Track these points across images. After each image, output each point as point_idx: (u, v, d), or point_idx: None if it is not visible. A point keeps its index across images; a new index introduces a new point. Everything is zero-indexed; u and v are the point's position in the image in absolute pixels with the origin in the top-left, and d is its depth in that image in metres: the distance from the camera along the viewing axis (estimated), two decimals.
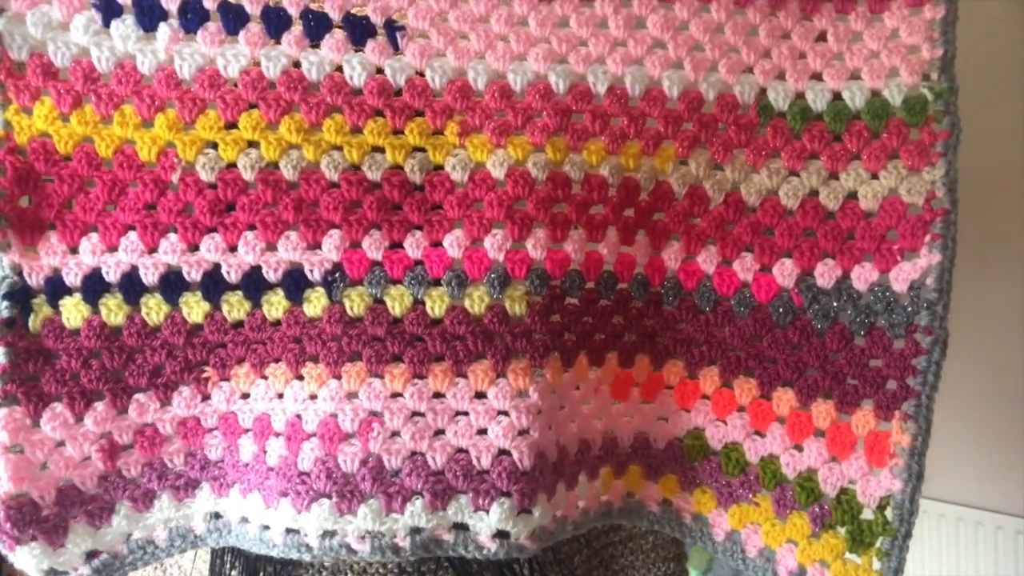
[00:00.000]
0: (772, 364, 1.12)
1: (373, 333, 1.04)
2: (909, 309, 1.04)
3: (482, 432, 1.04)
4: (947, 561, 2.48)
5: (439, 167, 1.06)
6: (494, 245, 1.05)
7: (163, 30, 1.01)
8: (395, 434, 1.03)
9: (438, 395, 1.04)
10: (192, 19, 1.02)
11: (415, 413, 1.04)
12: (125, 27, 1.00)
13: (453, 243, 1.05)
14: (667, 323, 1.14)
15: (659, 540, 1.40)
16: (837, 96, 1.11)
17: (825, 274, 1.09)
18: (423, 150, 1.06)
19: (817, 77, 1.11)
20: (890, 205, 1.07)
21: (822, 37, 1.12)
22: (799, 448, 1.12)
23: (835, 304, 1.08)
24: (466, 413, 1.04)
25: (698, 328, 1.14)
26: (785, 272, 1.10)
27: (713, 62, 1.10)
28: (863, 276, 1.07)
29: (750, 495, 1.15)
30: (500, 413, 1.04)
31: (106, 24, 1.00)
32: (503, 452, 1.04)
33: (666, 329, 1.15)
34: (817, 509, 1.10)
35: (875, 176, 1.08)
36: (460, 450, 1.04)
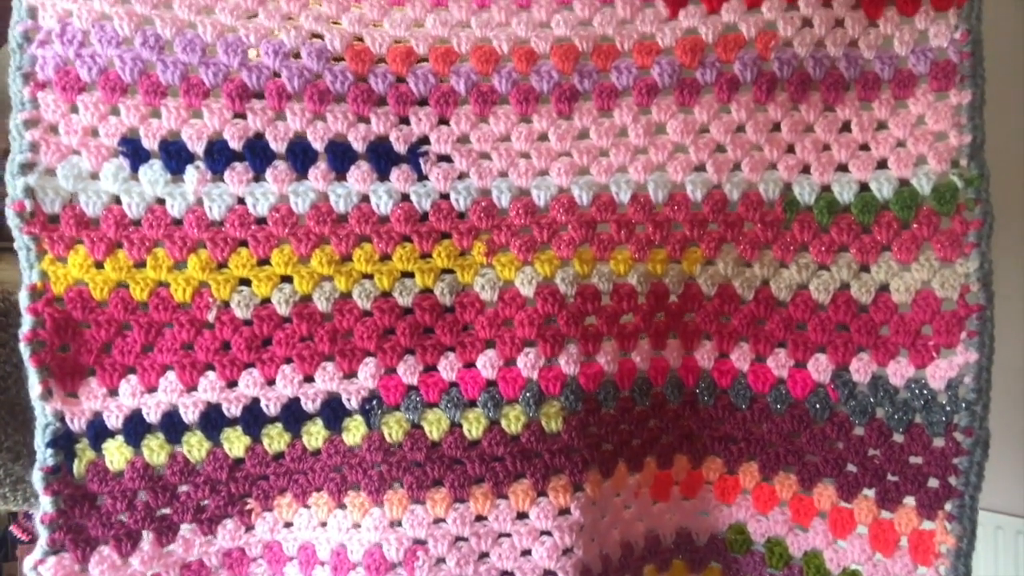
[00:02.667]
0: (811, 459, 1.10)
1: (413, 459, 1.02)
2: (948, 408, 1.01)
3: (526, 553, 1.03)
4: None
5: (468, 287, 1.05)
6: (527, 364, 1.03)
7: (191, 173, 1.00)
8: (440, 560, 1.02)
9: (480, 518, 1.03)
10: (219, 160, 1.01)
11: (458, 538, 1.02)
12: (153, 172, 1.00)
13: (486, 364, 1.03)
14: (704, 422, 1.12)
15: None
16: (864, 187, 1.07)
17: (860, 369, 1.06)
18: (452, 271, 1.05)
19: (843, 168, 1.08)
20: (923, 299, 1.04)
21: (846, 127, 1.09)
22: (842, 543, 1.10)
23: (872, 400, 1.05)
24: (509, 535, 1.03)
25: (735, 426, 1.11)
26: (820, 368, 1.07)
27: (736, 162, 1.08)
28: (899, 372, 1.04)
29: None
30: (543, 533, 1.03)
31: (134, 170, 1.00)
32: (548, 573, 1.02)
33: (703, 428, 1.12)
34: None
35: (907, 268, 1.05)
36: (505, 573, 1.02)
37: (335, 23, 1.04)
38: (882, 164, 1.08)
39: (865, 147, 1.08)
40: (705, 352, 1.10)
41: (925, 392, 1.02)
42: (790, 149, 1.09)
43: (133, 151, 1.00)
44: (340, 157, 1.03)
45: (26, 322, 0.97)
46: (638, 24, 1.07)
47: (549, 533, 1.02)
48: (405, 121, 1.05)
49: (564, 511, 1.03)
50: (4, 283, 1.23)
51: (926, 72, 1.06)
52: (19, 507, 1.26)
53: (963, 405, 0.99)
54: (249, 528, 1.05)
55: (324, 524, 1.04)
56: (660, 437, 1.11)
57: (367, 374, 1.03)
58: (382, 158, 1.04)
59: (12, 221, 0.96)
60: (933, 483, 1.02)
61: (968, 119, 1.04)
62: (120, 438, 1.01)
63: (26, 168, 0.96)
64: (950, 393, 1.01)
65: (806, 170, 1.08)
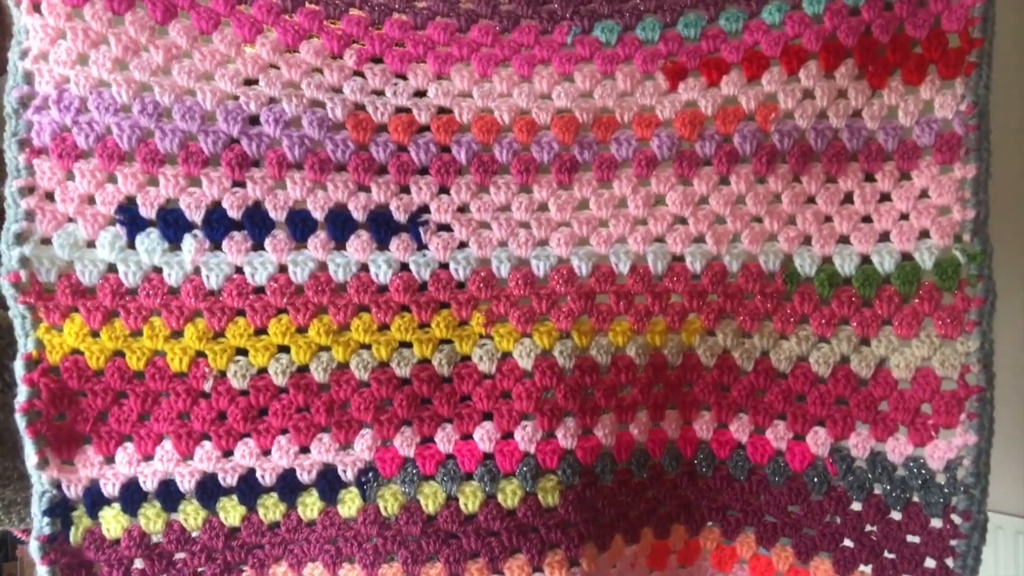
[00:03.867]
0: (808, 532, 1.08)
1: (408, 533, 1.00)
2: (946, 490, 0.99)
3: None
4: None
5: (466, 358, 1.03)
6: (525, 437, 1.01)
7: (188, 242, 0.98)
8: None
9: None
10: (217, 229, 0.99)
11: None
12: (150, 241, 0.98)
13: (484, 436, 1.01)
14: (702, 492, 1.10)
15: None
16: (866, 259, 1.05)
17: (859, 445, 1.04)
18: (450, 342, 1.03)
19: (844, 240, 1.06)
20: (923, 377, 1.02)
21: (848, 199, 1.07)
22: None
23: (870, 476, 1.03)
24: None
25: (733, 496, 1.09)
26: (819, 441, 1.05)
27: (736, 233, 1.06)
28: (897, 449, 1.02)
29: None
30: None
31: (131, 239, 0.97)
32: None
33: (701, 498, 1.10)
34: None
35: (907, 344, 1.03)
36: None
37: (337, 91, 1.02)
38: (884, 237, 1.05)
39: (867, 219, 1.06)
40: (704, 423, 1.08)
41: (923, 471, 1.00)
42: (791, 220, 1.06)
43: (130, 219, 0.97)
44: (340, 226, 1.01)
45: (22, 392, 0.95)
46: (638, 96, 1.05)
47: None
48: (406, 190, 1.03)
49: None
50: None
51: (931, 144, 1.04)
52: (15, 527, 1.24)
53: (961, 488, 0.97)
54: None
55: None
56: (658, 508, 1.09)
57: (363, 446, 1.01)
58: (382, 227, 1.02)
59: (7, 291, 0.94)
60: (930, 563, 1.00)
61: (972, 194, 1.02)
62: (117, 506, 0.99)
63: (21, 238, 0.94)
64: (948, 475, 0.99)
65: (807, 242, 1.06)
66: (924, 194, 1.05)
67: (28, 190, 0.95)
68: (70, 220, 0.96)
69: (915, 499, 1.01)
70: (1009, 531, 2.25)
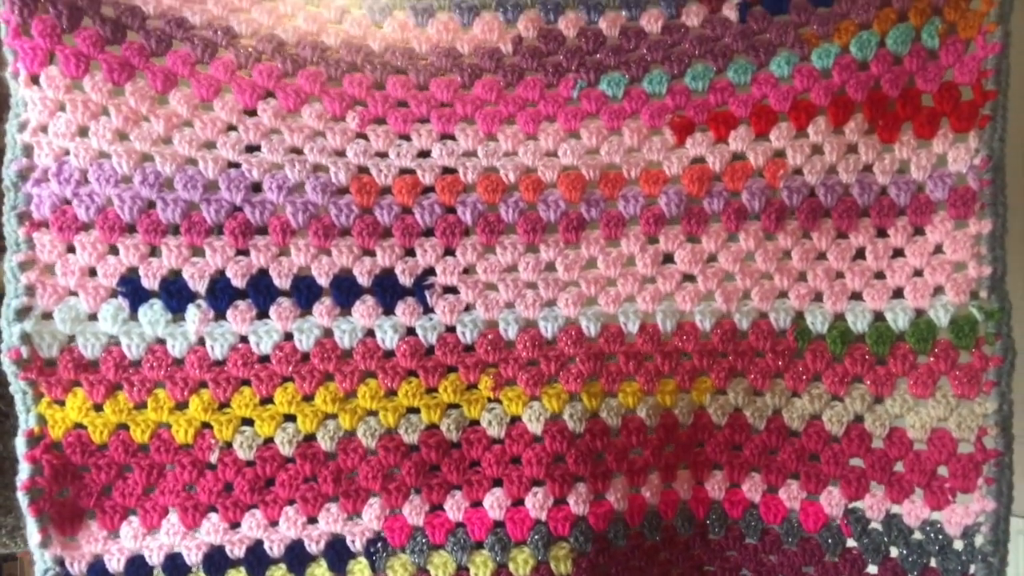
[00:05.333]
0: None
1: None
2: (963, 557, 0.95)
3: None
4: None
5: (475, 422, 1.00)
6: (536, 504, 0.98)
7: (192, 312, 0.95)
8: None
9: None
10: (221, 298, 0.95)
11: None
12: (153, 312, 0.94)
13: (494, 504, 0.98)
14: (714, 552, 1.06)
15: None
16: (879, 316, 1.02)
17: (874, 506, 1.00)
18: (458, 406, 0.99)
19: (857, 297, 1.03)
20: (939, 439, 0.98)
21: (860, 254, 1.03)
22: None
23: (886, 539, 1.00)
24: None
25: (746, 557, 1.06)
26: (833, 501, 1.02)
27: (745, 290, 1.02)
28: (914, 512, 0.99)
29: None
30: None
31: (134, 310, 0.94)
32: None
33: (714, 558, 1.07)
34: None
35: (923, 403, 1.00)
36: None
37: (340, 154, 0.99)
38: (898, 293, 1.02)
39: (880, 275, 1.02)
40: (716, 482, 1.05)
41: (940, 537, 0.97)
42: (801, 277, 1.03)
43: (133, 291, 0.94)
44: (345, 292, 0.98)
45: (24, 470, 0.92)
46: (645, 152, 1.02)
47: None
48: (411, 253, 1.00)
49: None
50: None
51: (944, 199, 1.01)
52: (18, 550, 1.22)
53: (980, 556, 0.94)
54: None
55: None
56: (671, 570, 1.06)
57: (372, 515, 0.97)
58: (387, 292, 0.99)
59: (8, 368, 0.91)
60: None
61: (988, 250, 0.98)
62: None
63: (22, 313, 0.91)
64: (966, 541, 0.95)
65: (818, 298, 1.03)
66: (939, 249, 1.01)
67: (28, 264, 0.92)
68: (71, 293, 0.93)
69: (933, 564, 0.98)
70: (1009, 531, 2.23)
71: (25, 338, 0.91)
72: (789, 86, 1.02)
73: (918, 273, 1.01)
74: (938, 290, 1.00)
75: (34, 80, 0.92)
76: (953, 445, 0.97)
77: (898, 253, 1.03)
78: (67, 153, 0.93)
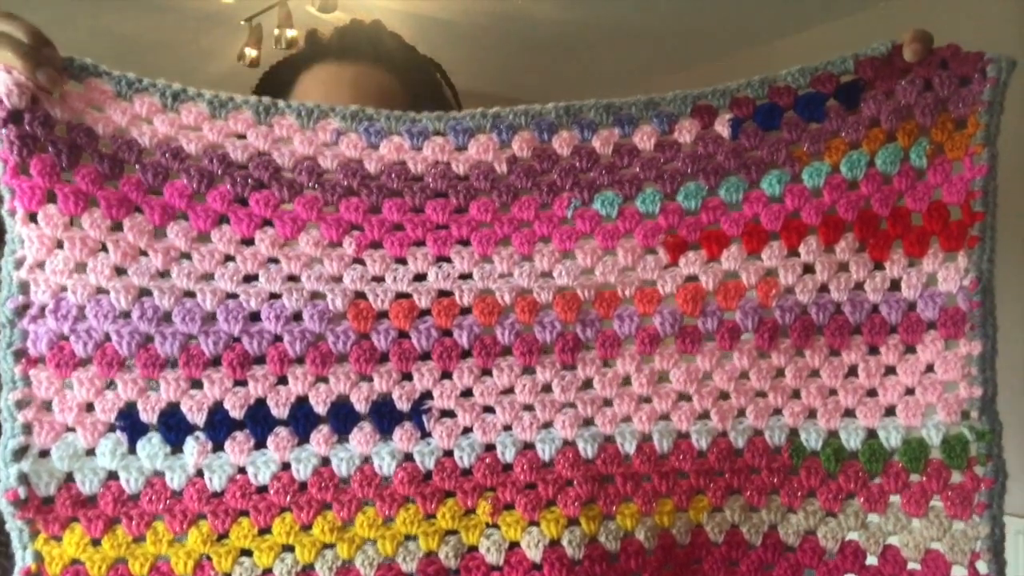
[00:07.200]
0: None
1: None
2: None
3: None
4: None
5: (473, 548, 0.98)
6: None
7: (190, 445, 0.93)
8: None
9: None
10: (219, 430, 0.94)
11: None
12: (152, 446, 0.92)
13: None
14: None
15: None
16: (872, 433, 1.01)
17: None
18: (456, 532, 0.98)
19: (850, 414, 1.01)
20: (933, 560, 0.96)
21: (853, 372, 1.02)
22: None
23: None
24: None
25: None
26: None
27: (740, 408, 1.01)
28: None
29: None
30: None
31: (132, 444, 0.92)
32: None
33: None
34: None
35: (915, 521, 0.99)
36: None
37: (337, 280, 0.97)
38: (890, 411, 1.01)
39: (872, 393, 1.01)
40: None
41: None
42: (795, 395, 1.02)
43: (131, 425, 0.92)
44: (343, 419, 0.96)
45: None
46: (639, 271, 1.01)
47: None
48: (408, 377, 0.98)
49: None
50: None
51: (935, 318, 1.00)
52: None
53: None
54: None
55: None
56: None
57: None
58: (384, 417, 0.97)
59: (4, 508, 0.89)
60: None
61: (979, 371, 0.97)
62: None
63: (19, 454, 0.89)
64: None
65: (812, 415, 1.02)
66: (930, 368, 1.00)
67: (25, 402, 0.90)
68: (69, 430, 0.91)
69: None
70: (1009, 531, 2.21)
71: (23, 478, 0.89)
72: (780, 205, 1.01)
73: (910, 391, 1.00)
74: (930, 409, 0.99)
75: (32, 218, 0.90)
76: (946, 568, 0.96)
77: (890, 371, 1.02)
78: (64, 289, 0.91)
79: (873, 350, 1.02)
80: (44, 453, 0.91)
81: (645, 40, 4.78)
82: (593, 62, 5.16)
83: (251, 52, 4.17)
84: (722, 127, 1.02)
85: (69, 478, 0.91)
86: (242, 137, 0.97)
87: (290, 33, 3.98)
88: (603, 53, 4.99)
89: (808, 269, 1.01)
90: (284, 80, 1.23)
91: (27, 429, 0.89)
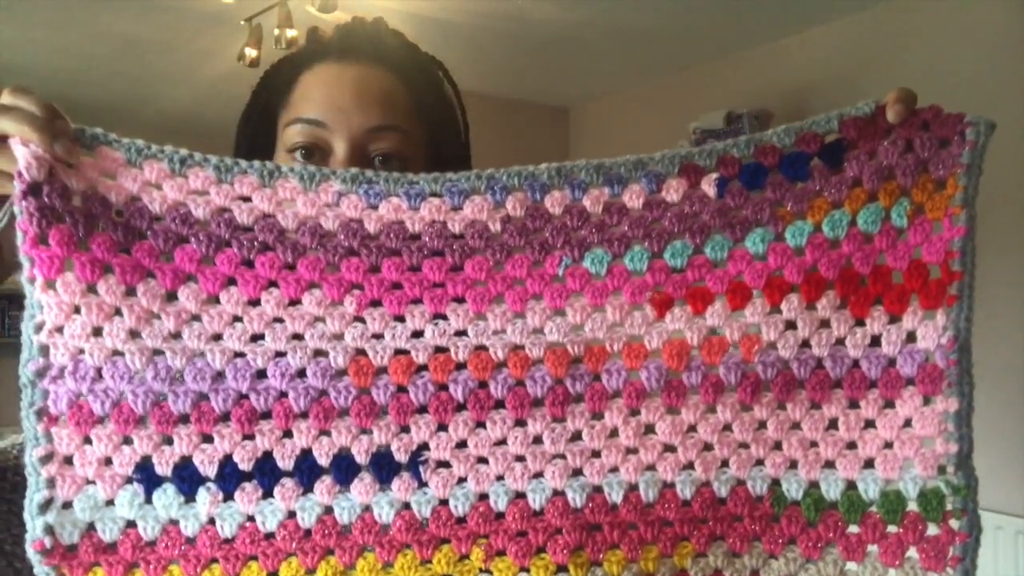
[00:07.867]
0: None
1: None
2: None
3: None
4: None
5: None
6: None
7: (203, 495, 0.99)
8: None
9: None
10: (229, 481, 0.99)
11: None
12: (167, 496, 0.98)
13: None
14: None
15: None
16: (851, 485, 1.04)
17: None
18: None
19: (830, 465, 1.05)
20: None
21: (833, 424, 1.05)
22: None
23: None
24: None
25: None
26: None
27: (723, 459, 1.05)
28: None
29: None
30: None
31: (148, 494, 0.98)
32: None
33: None
34: None
35: (892, 572, 1.02)
36: None
37: (339, 338, 1.02)
38: (869, 463, 1.04)
39: (852, 445, 1.04)
40: None
41: None
42: (777, 446, 1.05)
43: (147, 477, 0.98)
44: (344, 470, 1.01)
45: None
46: (627, 327, 1.04)
47: None
48: (406, 430, 1.03)
49: None
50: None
51: (914, 375, 1.02)
52: None
53: None
54: None
55: None
56: None
57: None
58: (384, 468, 1.02)
59: (33, 557, 0.95)
60: None
61: (955, 428, 1.00)
62: None
63: (44, 507, 0.95)
64: None
65: (793, 466, 1.05)
66: (908, 423, 1.03)
67: (47, 458, 0.96)
68: (89, 482, 0.97)
69: None
70: (1009, 531, 2.20)
71: (48, 529, 0.95)
72: (764, 263, 1.04)
73: (888, 445, 1.03)
74: (907, 463, 1.02)
75: (50, 285, 0.95)
76: None
77: (869, 424, 1.04)
78: (82, 352, 0.96)
79: (853, 404, 1.05)
80: (67, 505, 0.96)
81: (645, 40, 4.74)
82: (593, 62, 5.13)
83: (251, 52, 4.15)
84: (708, 186, 1.04)
85: (91, 527, 0.97)
86: (247, 200, 1.01)
87: (290, 33, 3.95)
88: (603, 53, 4.96)
89: (790, 326, 1.04)
90: (285, 79, 1.23)
91: (51, 483, 0.95)
